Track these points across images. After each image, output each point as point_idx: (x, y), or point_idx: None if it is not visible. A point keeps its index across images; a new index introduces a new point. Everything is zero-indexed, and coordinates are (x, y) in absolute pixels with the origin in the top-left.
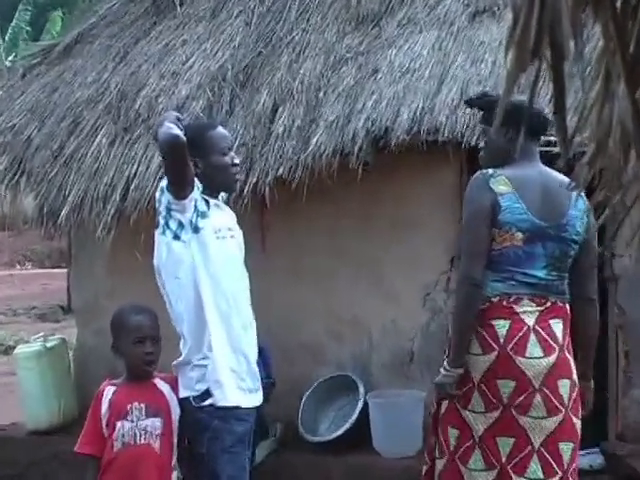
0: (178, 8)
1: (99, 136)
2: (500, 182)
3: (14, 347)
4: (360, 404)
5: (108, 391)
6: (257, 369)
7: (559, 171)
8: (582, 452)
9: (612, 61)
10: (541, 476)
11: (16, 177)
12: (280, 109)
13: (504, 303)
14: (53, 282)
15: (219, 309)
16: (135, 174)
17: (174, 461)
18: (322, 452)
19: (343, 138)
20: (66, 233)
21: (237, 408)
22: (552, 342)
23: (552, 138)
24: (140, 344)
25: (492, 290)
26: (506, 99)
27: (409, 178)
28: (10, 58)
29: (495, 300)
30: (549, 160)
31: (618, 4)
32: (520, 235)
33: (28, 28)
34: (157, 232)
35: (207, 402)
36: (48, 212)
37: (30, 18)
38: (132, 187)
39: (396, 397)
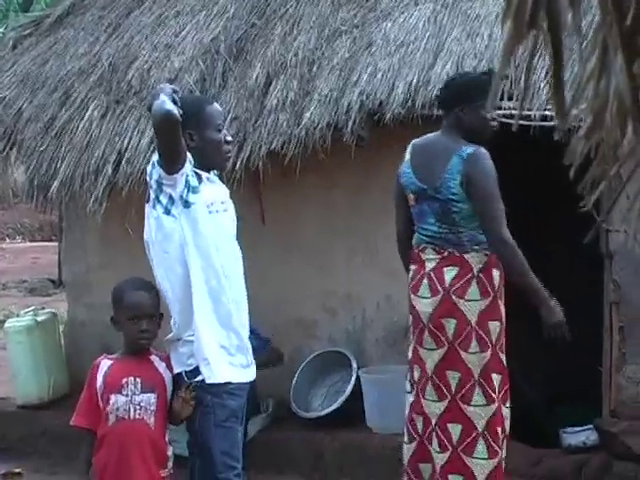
0: None
1: (90, 108)
2: (407, 151)
3: (4, 321)
4: (353, 380)
5: (104, 364)
6: (249, 344)
7: (557, 144)
8: (576, 429)
9: (609, 34)
10: (435, 398)
11: (6, 150)
12: (273, 82)
13: (416, 251)
14: (44, 256)
15: (209, 285)
16: (127, 147)
17: (167, 436)
18: (314, 428)
19: (337, 112)
20: (57, 206)
21: (229, 384)
22: (439, 286)
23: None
24: (135, 321)
25: (414, 241)
26: (502, 70)
27: (404, 152)
28: (0, 29)
29: (414, 249)
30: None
31: None
32: (412, 196)
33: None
34: (147, 206)
35: (199, 378)
36: (39, 185)
37: None
38: (124, 160)
39: (389, 373)
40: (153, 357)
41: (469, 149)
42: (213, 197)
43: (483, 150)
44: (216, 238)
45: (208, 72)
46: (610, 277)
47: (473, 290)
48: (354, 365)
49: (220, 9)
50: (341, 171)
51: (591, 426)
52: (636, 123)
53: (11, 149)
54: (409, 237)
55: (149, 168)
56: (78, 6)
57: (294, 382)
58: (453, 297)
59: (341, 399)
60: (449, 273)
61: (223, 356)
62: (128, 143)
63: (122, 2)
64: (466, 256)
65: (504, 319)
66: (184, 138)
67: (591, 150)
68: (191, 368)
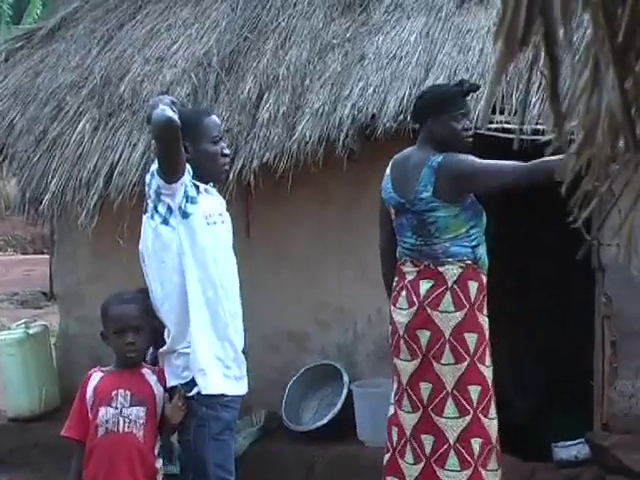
0: None
1: (83, 121)
2: (389, 166)
3: None
4: (344, 393)
5: (95, 376)
6: (244, 356)
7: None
8: (568, 443)
9: (601, 50)
10: (410, 409)
11: None
12: (265, 95)
13: (398, 264)
14: (35, 268)
15: (206, 296)
16: (119, 160)
17: (157, 450)
18: (306, 441)
19: (329, 125)
20: (49, 219)
21: (223, 396)
22: (415, 298)
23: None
24: (121, 334)
25: (397, 254)
26: (494, 88)
27: None
28: None
29: (397, 262)
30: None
31: None
32: (392, 210)
33: (10, 11)
34: (145, 216)
35: (194, 390)
36: (31, 197)
37: (12, 0)
38: (116, 173)
39: (380, 386)
40: (144, 370)
41: (438, 158)
42: (211, 208)
43: (452, 153)
44: (214, 249)
45: (200, 85)
46: (602, 291)
47: (447, 302)
48: (345, 378)
49: (212, 22)
50: (333, 185)
51: (582, 440)
52: (627, 139)
53: (3, 162)
54: (392, 253)
55: (148, 178)
56: (70, 19)
57: (285, 395)
58: (427, 309)
59: (332, 412)
60: (424, 285)
61: (219, 367)
62: (120, 156)
63: (114, 15)
64: (440, 268)
65: (485, 330)
66: (183, 148)
67: (582, 166)
68: (186, 380)
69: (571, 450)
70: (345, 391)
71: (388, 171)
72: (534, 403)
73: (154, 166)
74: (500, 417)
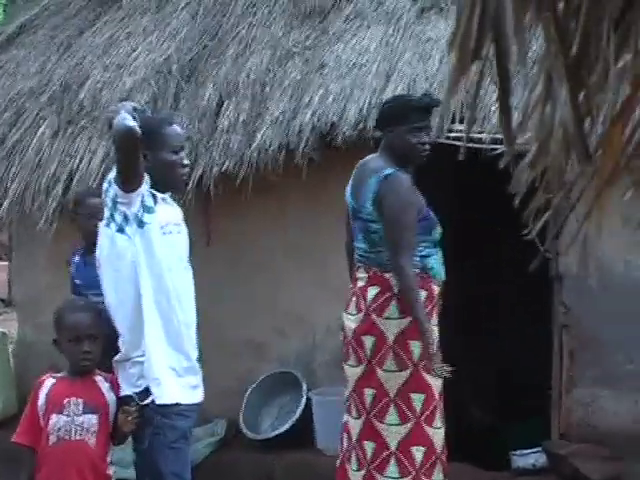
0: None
1: (42, 128)
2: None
3: None
4: (303, 401)
5: (47, 383)
6: (199, 365)
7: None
8: (526, 451)
9: (554, 63)
10: (355, 415)
11: None
12: (225, 103)
13: (354, 269)
14: None
15: (159, 306)
16: (78, 167)
17: (109, 458)
18: (265, 450)
19: (289, 133)
20: (7, 225)
21: (178, 404)
22: (362, 304)
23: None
24: (77, 343)
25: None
26: (448, 99)
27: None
28: None
29: (355, 267)
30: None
31: (560, 6)
32: (350, 213)
33: None
34: (101, 224)
35: (149, 399)
36: None
37: None
38: (75, 180)
39: (339, 394)
40: (97, 377)
41: (388, 171)
42: (167, 218)
43: (402, 175)
44: (169, 259)
45: (160, 93)
46: (560, 300)
47: (392, 309)
48: (304, 386)
49: (172, 30)
50: (293, 193)
51: (540, 448)
52: (579, 151)
53: None
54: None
55: (105, 186)
56: (29, 25)
57: (244, 403)
58: (373, 315)
59: (291, 420)
60: (371, 292)
61: (173, 377)
62: (79, 163)
63: (73, 22)
64: (386, 275)
65: (434, 339)
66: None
67: (536, 178)
68: (140, 389)
69: (529, 458)
70: (304, 399)
71: (352, 176)
72: (492, 413)
73: (112, 174)
74: (459, 427)
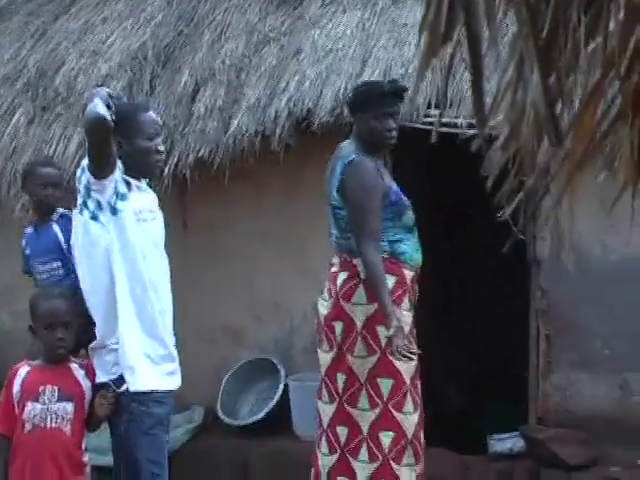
0: None
1: (17, 115)
2: None
3: None
4: (281, 387)
5: (22, 371)
6: (175, 352)
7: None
8: (503, 436)
9: (525, 46)
10: (328, 400)
11: None
12: (201, 89)
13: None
14: None
15: (133, 293)
16: (54, 154)
17: (84, 444)
18: (242, 436)
19: (265, 119)
20: None
21: (154, 392)
22: (332, 290)
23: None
24: (51, 330)
25: None
26: (419, 83)
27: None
28: None
29: None
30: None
31: None
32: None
33: None
34: (75, 211)
35: (124, 387)
36: None
37: None
38: None
39: (316, 380)
40: (72, 365)
41: (352, 157)
42: (142, 205)
43: (365, 160)
44: (143, 246)
45: (136, 79)
46: (537, 284)
47: (359, 294)
48: (282, 372)
49: (148, 16)
50: (269, 178)
51: (517, 433)
52: (551, 135)
53: None
54: None
55: (78, 172)
56: (4, 11)
57: (221, 390)
58: (341, 301)
59: (268, 407)
60: (341, 277)
61: (148, 364)
62: (55, 150)
63: (48, 8)
64: (354, 261)
65: (403, 324)
66: (117, 144)
67: (509, 161)
68: (116, 376)
69: (506, 443)
70: (281, 385)
71: (329, 161)
72: (468, 397)
73: (85, 161)
74: (434, 411)
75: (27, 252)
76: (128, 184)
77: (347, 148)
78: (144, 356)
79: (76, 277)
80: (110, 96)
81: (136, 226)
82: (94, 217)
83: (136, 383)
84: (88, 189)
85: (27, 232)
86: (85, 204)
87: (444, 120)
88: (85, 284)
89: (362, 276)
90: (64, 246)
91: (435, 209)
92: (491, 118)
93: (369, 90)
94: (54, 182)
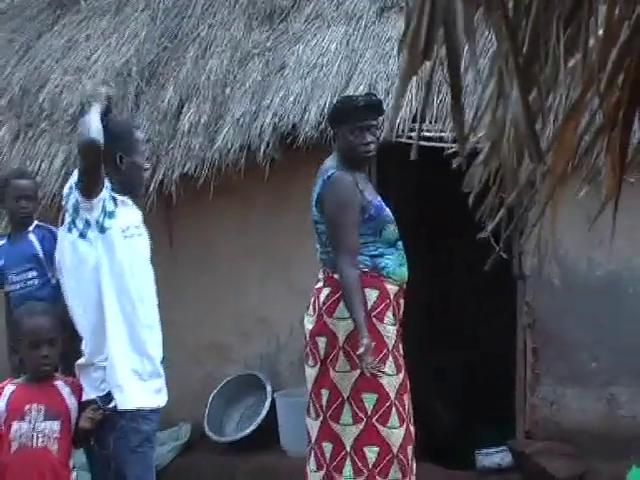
0: (82, 2)
1: (2, 131)
2: None
3: None
4: (267, 403)
5: (7, 390)
6: (162, 369)
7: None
8: (490, 450)
9: (505, 62)
10: (314, 416)
11: None
12: (186, 105)
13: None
14: None
15: (123, 310)
16: (38, 170)
17: (72, 463)
18: (229, 453)
19: (250, 134)
20: None
21: (142, 409)
22: (316, 305)
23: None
24: (35, 348)
25: None
26: (399, 100)
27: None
28: None
29: None
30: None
31: (510, 5)
32: None
33: None
34: (61, 229)
35: (112, 403)
36: None
37: None
38: None
39: (303, 396)
40: (58, 382)
41: (331, 172)
42: (128, 221)
43: (344, 176)
44: (131, 263)
45: (120, 95)
46: (523, 299)
47: (341, 309)
48: (268, 388)
49: (132, 32)
50: (255, 194)
51: (505, 447)
52: (532, 151)
53: None
54: None
55: (66, 191)
56: None
57: (208, 406)
58: (324, 316)
59: (255, 422)
60: (324, 292)
61: (136, 382)
62: (39, 167)
63: (32, 25)
64: (336, 276)
65: (385, 339)
66: (113, 159)
67: (490, 177)
68: (104, 393)
69: (494, 458)
70: (268, 401)
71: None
72: (455, 411)
73: (73, 179)
74: (421, 425)
75: (0, 263)
76: (114, 200)
77: (328, 163)
78: (132, 372)
79: (53, 287)
80: (109, 99)
81: (123, 243)
82: (82, 235)
83: (125, 402)
84: (77, 208)
85: (1, 245)
86: (74, 222)
87: (430, 134)
88: (73, 302)
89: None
90: (41, 256)
91: (418, 222)
92: (472, 134)
93: (344, 104)
94: (27, 194)
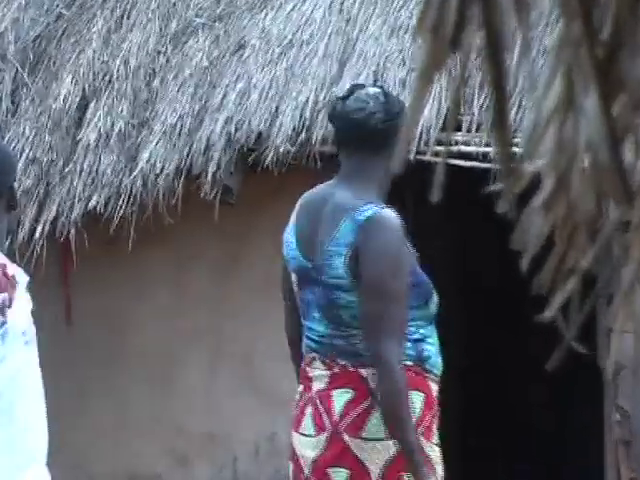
0: None
1: None
2: (294, 210)
3: None
4: None
5: None
6: None
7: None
8: None
9: (576, 55)
10: None
11: None
12: (91, 105)
13: (302, 365)
14: None
15: None
16: None
17: None
18: None
19: (191, 151)
20: None
21: None
22: (326, 418)
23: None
24: None
25: (302, 348)
26: (416, 115)
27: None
28: None
29: (303, 361)
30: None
31: None
32: (294, 277)
33: None
34: None
35: None
36: None
37: None
38: None
39: None
40: None
41: (369, 210)
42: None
43: (392, 216)
44: None
45: None
46: (614, 403)
47: (374, 424)
48: None
49: None
50: (197, 241)
51: None
52: (616, 188)
53: None
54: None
55: None
56: None
57: None
58: (345, 436)
59: None
60: (339, 399)
61: None
62: None
63: None
64: (363, 372)
65: (435, 464)
66: None
67: (554, 227)
68: None
69: None
70: None
71: (293, 218)
72: None
73: None
74: None
75: None
76: None
77: (342, 195)
78: None
79: None
80: None
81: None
82: None
83: None
84: None
85: None
86: None
87: (467, 149)
88: None
89: (379, 397)
90: None
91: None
92: (526, 162)
93: (390, 112)
94: None
